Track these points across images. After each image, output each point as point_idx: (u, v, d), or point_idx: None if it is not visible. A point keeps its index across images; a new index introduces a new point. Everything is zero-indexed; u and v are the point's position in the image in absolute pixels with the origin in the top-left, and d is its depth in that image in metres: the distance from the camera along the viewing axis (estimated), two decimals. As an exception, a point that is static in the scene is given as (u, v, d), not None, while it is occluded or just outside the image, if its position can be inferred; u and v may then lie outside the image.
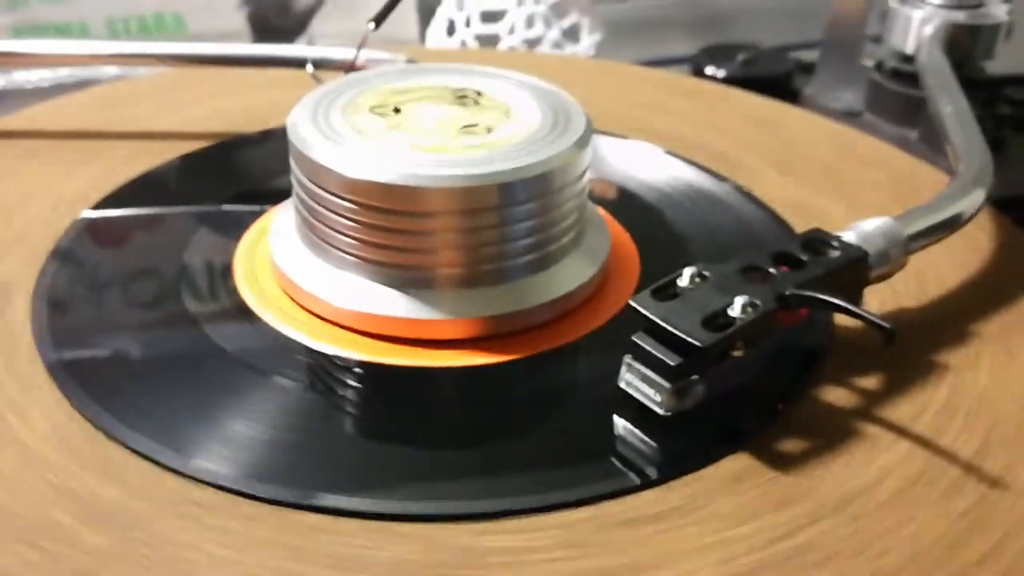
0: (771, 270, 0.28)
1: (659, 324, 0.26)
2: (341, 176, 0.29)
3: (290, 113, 0.32)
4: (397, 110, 0.32)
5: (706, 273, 0.28)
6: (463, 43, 0.59)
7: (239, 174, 0.42)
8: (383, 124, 0.31)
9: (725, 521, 0.25)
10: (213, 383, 0.29)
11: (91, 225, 0.37)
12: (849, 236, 0.30)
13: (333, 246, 0.31)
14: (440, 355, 0.30)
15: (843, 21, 0.53)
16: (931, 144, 0.46)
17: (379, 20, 0.40)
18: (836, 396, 0.29)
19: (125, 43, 0.43)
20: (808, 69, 0.57)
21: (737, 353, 0.27)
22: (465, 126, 0.31)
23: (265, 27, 0.62)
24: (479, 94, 0.33)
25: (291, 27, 0.62)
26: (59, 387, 0.28)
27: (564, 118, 0.32)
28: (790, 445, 0.27)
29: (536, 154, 0.30)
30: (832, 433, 0.27)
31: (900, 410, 0.28)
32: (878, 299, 0.33)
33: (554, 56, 0.59)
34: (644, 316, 0.26)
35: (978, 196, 0.34)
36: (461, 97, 0.33)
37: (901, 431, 0.28)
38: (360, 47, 0.40)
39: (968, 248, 0.36)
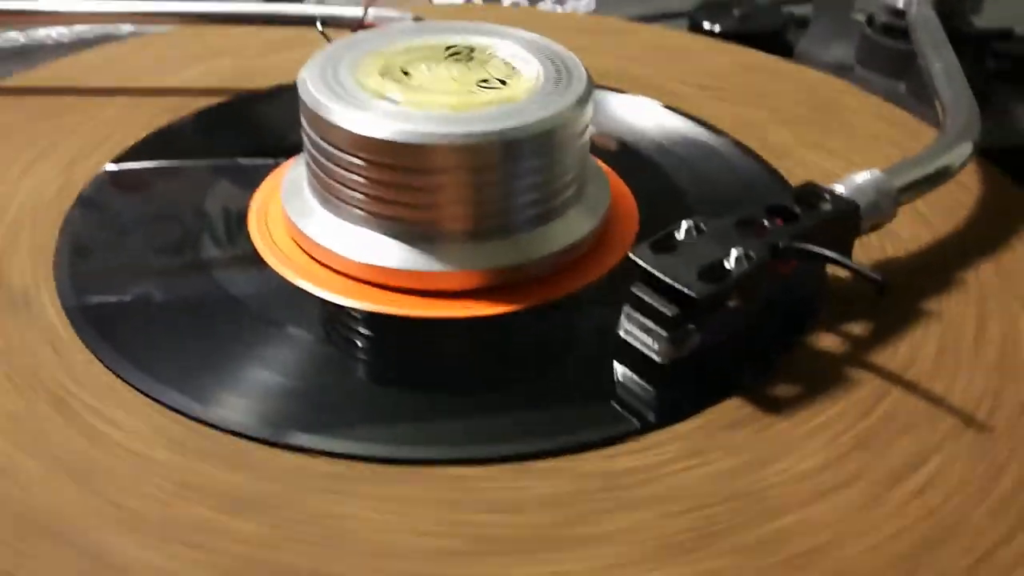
0: (765, 223, 0.28)
1: (657, 276, 0.26)
2: (349, 133, 0.29)
3: (300, 71, 0.31)
4: (405, 69, 0.32)
5: (703, 226, 0.27)
6: (468, -1, 0.58)
7: (253, 129, 0.41)
8: (390, 81, 0.31)
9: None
10: (225, 332, 0.29)
11: (112, 177, 0.36)
12: (841, 189, 0.30)
13: (343, 201, 0.30)
14: (447, 306, 0.30)
15: (836, -23, 0.52)
16: (920, 97, 0.45)
17: (385, -21, 0.39)
18: (830, 343, 0.29)
19: (141, 2, 0.42)
20: (801, 24, 0.56)
21: (733, 303, 0.27)
22: (471, 83, 0.31)
23: (276, -13, 0.61)
24: (483, 51, 0.33)
25: (301, -14, 0.61)
26: (75, 330, 0.28)
27: (566, 75, 0.32)
28: (784, 391, 0.27)
29: (539, 111, 0.30)
30: (824, 380, 0.27)
31: (892, 356, 0.28)
32: (870, 249, 0.32)
33: (555, 12, 0.58)
34: (642, 268, 0.26)
35: (966, 148, 0.33)
36: (466, 55, 0.33)
37: (893, 377, 0.28)
38: (368, 5, 0.39)
39: (958, 198, 0.36)
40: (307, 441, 0.25)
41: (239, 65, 0.44)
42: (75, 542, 0.22)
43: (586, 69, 0.32)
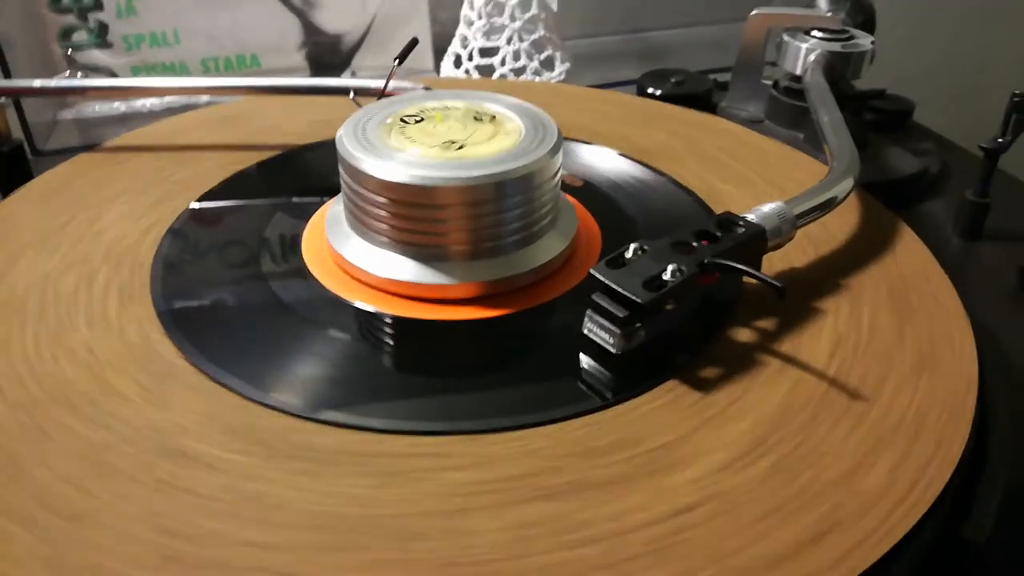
0: (694, 244, 0.28)
1: (611, 286, 0.26)
2: (376, 179, 0.29)
3: (338, 130, 0.31)
4: (418, 127, 0.32)
5: (646, 247, 0.27)
6: (467, 72, 0.58)
7: (303, 174, 0.41)
8: (406, 137, 0.31)
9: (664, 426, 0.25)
10: (281, 331, 0.29)
11: (196, 212, 0.36)
12: (751, 216, 0.30)
13: (371, 230, 0.30)
14: (453, 311, 0.30)
15: (749, 51, 0.52)
16: (814, 143, 0.46)
17: (402, 58, 0.39)
18: (744, 336, 0.29)
19: (215, 78, 0.43)
20: (723, 87, 0.56)
21: (670, 306, 0.27)
22: (468, 136, 0.31)
23: (319, 63, 0.61)
24: (479, 112, 0.33)
25: (338, 62, 0.61)
26: (164, 328, 0.28)
27: (542, 131, 0.32)
28: (709, 372, 0.27)
29: (522, 159, 0.30)
30: (741, 363, 0.27)
31: (791, 345, 0.28)
32: (775, 263, 0.32)
33: (534, 82, 0.58)
34: (600, 280, 0.26)
35: (848, 183, 0.33)
36: (466, 115, 0.33)
37: (792, 360, 0.28)
38: (389, 78, 0.39)
39: (842, 222, 0.36)
40: (341, 418, 0.25)
41: (291, 125, 0.44)
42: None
43: (557, 126, 0.32)
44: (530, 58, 0.57)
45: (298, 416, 0.25)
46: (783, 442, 0.24)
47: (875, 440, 0.25)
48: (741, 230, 0.29)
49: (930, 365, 0.28)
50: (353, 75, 0.61)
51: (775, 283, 0.26)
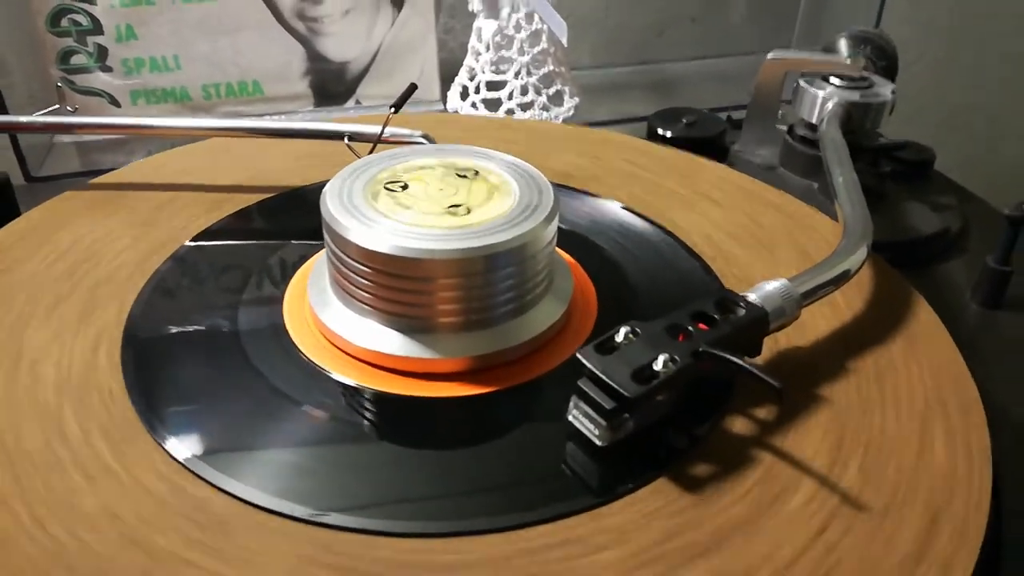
0: (690, 328, 0.27)
1: (598, 375, 0.25)
2: (359, 247, 0.28)
3: (324, 188, 0.30)
4: (406, 186, 0.31)
5: (638, 330, 0.26)
6: (473, 105, 0.57)
7: (297, 217, 0.39)
8: (394, 200, 0.30)
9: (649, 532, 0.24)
10: (252, 407, 0.28)
11: (188, 252, 0.36)
12: (753, 296, 0.28)
13: (355, 298, 0.30)
14: (436, 387, 0.29)
15: (764, 95, 0.50)
16: (828, 195, 0.44)
17: (398, 106, 0.38)
18: (740, 425, 0.28)
19: (214, 119, 0.42)
20: (737, 125, 0.55)
21: (660, 397, 0.26)
22: (462, 198, 0.30)
23: (323, 91, 0.60)
24: (474, 172, 0.32)
25: (343, 91, 0.60)
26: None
27: (538, 194, 0.31)
28: (702, 469, 0.26)
29: (515, 229, 0.29)
30: (737, 458, 0.26)
31: (791, 439, 0.27)
32: (775, 337, 0.31)
33: (539, 120, 0.57)
34: (587, 367, 0.25)
35: (861, 254, 0.32)
36: (459, 176, 0.32)
37: (790, 459, 0.26)
38: (384, 126, 0.38)
39: (854, 290, 0.34)
40: (302, 513, 0.24)
41: (285, 168, 0.43)
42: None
43: (554, 189, 0.31)
44: (538, 93, 0.56)
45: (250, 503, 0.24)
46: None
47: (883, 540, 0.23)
48: (741, 312, 0.28)
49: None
50: (358, 103, 0.60)
51: (774, 383, 0.24)
